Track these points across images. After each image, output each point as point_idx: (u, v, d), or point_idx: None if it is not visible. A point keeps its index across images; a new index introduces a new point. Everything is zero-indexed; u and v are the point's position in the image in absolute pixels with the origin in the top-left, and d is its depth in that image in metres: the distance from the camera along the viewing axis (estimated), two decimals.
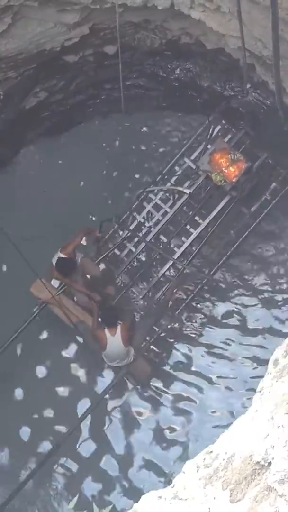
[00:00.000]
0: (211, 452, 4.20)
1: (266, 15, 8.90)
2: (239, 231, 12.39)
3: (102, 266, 12.58)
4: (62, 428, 11.97)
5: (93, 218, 13.33)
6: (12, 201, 13.87)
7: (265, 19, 9.18)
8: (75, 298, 12.23)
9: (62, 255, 11.82)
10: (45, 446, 11.91)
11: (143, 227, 12.81)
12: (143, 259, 12.75)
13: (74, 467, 11.87)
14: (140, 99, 14.38)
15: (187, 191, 12.35)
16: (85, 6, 11.53)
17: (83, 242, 12.38)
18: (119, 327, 11.18)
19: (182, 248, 12.40)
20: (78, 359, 12.62)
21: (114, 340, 11.17)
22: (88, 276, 12.34)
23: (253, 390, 4.97)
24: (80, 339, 12.50)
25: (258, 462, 3.62)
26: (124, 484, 11.63)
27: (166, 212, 12.68)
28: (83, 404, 12.18)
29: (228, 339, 12.43)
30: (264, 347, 12.14)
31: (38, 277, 10.59)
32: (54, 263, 11.82)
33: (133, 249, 12.67)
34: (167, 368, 12.40)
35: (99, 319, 11.52)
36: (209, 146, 12.42)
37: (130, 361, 11.54)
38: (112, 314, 11.34)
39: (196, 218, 12.51)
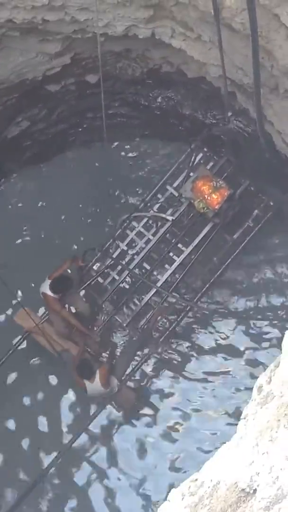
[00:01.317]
0: (196, 480, 4.18)
1: (246, 43, 8.96)
2: (221, 258, 12.41)
3: (82, 292, 12.56)
4: (46, 457, 11.92)
5: (75, 247, 13.31)
6: None
7: (246, 48, 9.23)
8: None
9: (49, 281, 11.80)
10: (31, 473, 11.83)
11: (126, 255, 12.80)
12: (127, 287, 12.73)
13: (60, 494, 11.81)
14: (122, 128, 14.42)
15: (170, 218, 12.37)
16: (66, 36, 11.58)
17: (68, 270, 12.39)
18: (97, 373, 11.12)
19: (166, 276, 12.40)
20: (63, 387, 12.56)
21: (93, 386, 11.16)
22: (74, 310, 12.31)
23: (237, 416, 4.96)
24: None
25: (243, 489, 3.60)
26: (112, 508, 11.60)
27: (149, 240, 12.68)
28: (68, 433, 12.14)
29: (211, 366, 12.42)
30: (248, 372, 12.14)
31: (21, 306, 10.56)
32: (45, 291, 11.77)
33: (117, 277, 12.66)
34: (151, 395, 12.36)
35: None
36: (191, 174, 12.47)
37: (115, 391, 11.50)
38: (87, 367, 11.25)
39: (179, 245, 12.52)
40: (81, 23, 10.94)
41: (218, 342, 12.58)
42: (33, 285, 12.27)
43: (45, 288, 11.79)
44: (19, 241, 13.69)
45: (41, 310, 12.31)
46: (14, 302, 9.81)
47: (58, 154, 14.69)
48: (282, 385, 4.06)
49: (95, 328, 12.46)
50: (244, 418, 4.36)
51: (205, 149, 12.85)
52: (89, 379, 11.13)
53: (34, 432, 12.30)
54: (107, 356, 12.27)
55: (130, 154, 14.53)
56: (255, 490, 3.50)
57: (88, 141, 14.64)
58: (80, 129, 14.64)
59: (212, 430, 11.94)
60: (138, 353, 12.34)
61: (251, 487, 3.53)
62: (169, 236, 12.70)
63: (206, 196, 11.74)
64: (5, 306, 11.65)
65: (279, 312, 12.64)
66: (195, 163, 12.71)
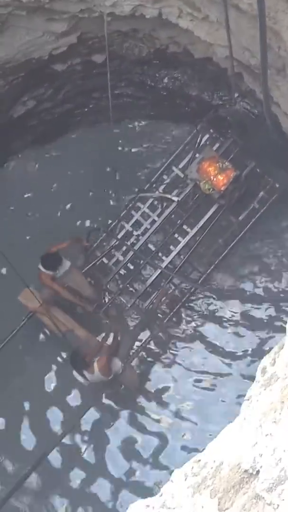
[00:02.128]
0: (199, 460, 4.19)
1: (253, 24, 8.93)
2: (227, 240, 12.40)
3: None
4: (47, 438, 11.95)
5: (80, 227, 13.29)
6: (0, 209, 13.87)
7: (253, 29, 9.20)
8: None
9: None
10: (30, 458, 11.85)
11: (131, 235, 12.80)
12: (131, 267, 12.72)
13: (59, 478, 11.84)
14: (128, 108, 14.39)
15: (176, 198, 12.36)
16: (73, 15, 11.54)
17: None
18: (95, 365, 11.02)
19: (170, 257, 12.40)
20: (66, 370, 12.57)
21: (94, 376, 11.07)
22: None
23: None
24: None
25: (246, 471, 3.61)
26: (112, 494, 11.60)
27: (154, 221, 12.68)
28: (69, 415, 12.17)
29: (215, 348, 12.42)
30: (252, 355, 12.14)
31: (26, 285, 10.56)
32: (39, 267, 11.80)
33: (121, 258, 12.66)
34: (155, 376, 12.38)
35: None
36: (197, 155, 12.45)
37: (119, 373, 11.48)
38: (78, 358, 11.14)
39: (184, 226, 12.52)
40: (88, 2, 10.92)
41: (222, 324, 12.56)
42: (37, 265, 12.26)
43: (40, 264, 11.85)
44: (24, 221, 13.69)
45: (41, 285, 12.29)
46: (19, 282, 9.80)
47: (64, 134, 14.66)
48: (286, 367, 4.06)
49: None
50: (248, 400, 4.37)
51: (211, 130, 12.82)
52: (86, 370, 11.04)
53: (35, 415, 12.35)
54: (108, 342, 12.24)
55: (136, 135, 14.48)
56: (258, 471, 3.50)
57: (94, 121, 14.61)
58: (86, 109, 14.62)
59: (216, 411, 11.93)
60: (142, 334, 12.33)
61: (254, 468, 3.54)
62: (174, 217, 12.69)
63: (212, 177, 11.72)
64: (10, 286, 11.63)
65: (283, 295, 12.62)
66: (201, 144, 12.68)
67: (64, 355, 12.48)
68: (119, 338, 11.76)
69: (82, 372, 10.98)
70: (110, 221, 12.90)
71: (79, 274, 12.39)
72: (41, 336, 12.61)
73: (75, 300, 12.15)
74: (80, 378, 11.20)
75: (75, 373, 11.29)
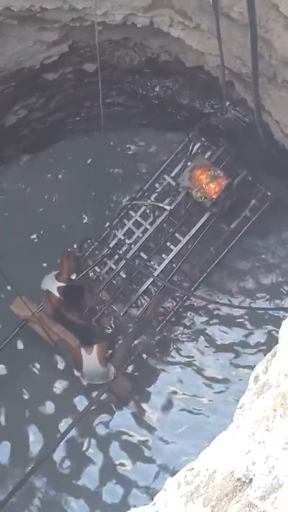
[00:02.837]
0: (192, 469, 4.19)
1: (244, 33, 8.95)
2: (219, 247, 12.43)
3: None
4: (41, 447, 11.94)
5: (72, 236, 13.29)
6: None
7: (244, 37, 9.23)
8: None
9: (61, 284, 11.80)
10: (25, 464, 11.85)
11: (123, 244, 12.81)
12: (124, 276, 12.73)
13: (54, 485, 11.81)
14: (120, 117, 14.40)
15: (168, 207, 12.39)
16: (64, 24, 11.56)
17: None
18: (95, 346, 11.13)
19: (163, 265, 12.42)
20: (59, 377, 12.56)
21: (89, 358, 11.12)
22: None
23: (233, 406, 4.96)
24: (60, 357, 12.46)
25: (239, 479, 3.61)
26: (106, 502, 11.58)
27: (146, 229, 12.70)
28: (63, 423, 12.14)
29: (208, 355, 12.43)
30: (245, 362, 12.15)
31: (18, 294, 10.56)
32: (50, 289, 11.81)
33: (113, 267, 12.67)
34: (148, 384, 12.38)
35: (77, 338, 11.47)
36: (189, 163, 12.47)
37: (111, 379, 11.51)
38: (89, 333, 11.24)
39: (176, 235, 12.54)
40: (79, 11, 10.93)
41: (215, 331, 12.58)
42: (29, 274, 12.24)
43: (50, 286, 11.82)
44: (15, 230, 13.66)
45: (38, 300, 12.29)
46: (10, 290, 9.82)
47: (55, 143, 14.65)
48: (279, 375, 4.07)
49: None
50: (241, 408, 4.38)
51: (203, 139, 12.84)
52: (87, 347, 11.09)
53: (28, 423, 12.33)
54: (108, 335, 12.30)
55: (127, 144, 14.49)
56: (251, 480, 3.51)
57: (85, 130, 14.62)
58: (78, 118, 14.62)
59: (209, 417, 11.95)
60: (134, 342, 12.34)
61: (247, 476, 3.54)
62: (166, 226, 12.72)
63: (204, 185, 11.75)
64: (2, 294, 11.64)
65: (276, 302, 12.64)
66: (192, 152, 12.71)
67: (57, 363, 12.48)
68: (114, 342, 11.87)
69: (86, 344, 11.09)
70: (102, 230, 12.89)
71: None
72: (34, 345, 12.57)
73: (78, 321, 12.17)
74: (76, 373, 11.30)
75: (69, 364, 11.40)
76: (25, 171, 14.38)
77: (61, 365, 12.49)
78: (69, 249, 12.60)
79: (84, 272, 12.61)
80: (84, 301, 12.19)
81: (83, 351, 11.15)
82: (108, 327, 12.61)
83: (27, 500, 11.61)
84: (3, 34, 11.68)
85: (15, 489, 10.54)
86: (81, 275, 12.56)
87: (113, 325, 12.67)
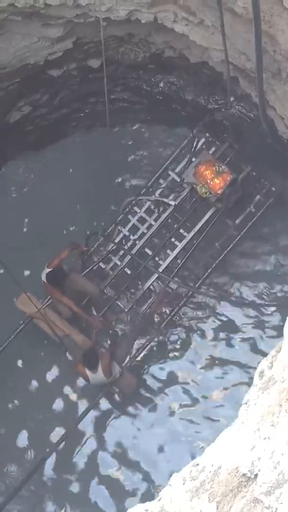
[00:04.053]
0: (198, 464, 4.19)
1: (248, 28, 8.94)
2: (223, 243, 12.41)
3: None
4: (47, 443, 11.96)
5: (78, 232, 13.29)
6: None
7: (248, 32, 9.21)
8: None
9: (48, 270, 11.81)
10: (30, 460, 11.87)
11: (128, 240, 12.79)
12: (128, 272, 12.72)
13: (60, 480, 11.84)
14: (124, 113, 14.39)
15: (172, 202, 12.38)
16: (68, 20, 11.54)
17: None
18: (99, 363, 11.09)
19: (167, 261, 12.41)
20: (64, 374, 12.57)
21: (96, 375, 11.11)
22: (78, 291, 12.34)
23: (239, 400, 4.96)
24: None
25: (244, 474, 3.61)
26: (111, 497, 11.61)
27: (151, 225, 12.69)
28: (69, 419, 12.16)
29: (213, 351, 12.43)
30: (250, 358, 12.14)
31: (23, 291, 10.57)
32: (44, 279, 11.82)
33: (118, 262, 12.66)
34: (153, 380, 12.38)
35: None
36: (193, 159, 12.46)
37: (117, 377, 11.50)
38: (94, 357, 11.17)
39: (181, 230, 12.52)
40: (83, 7, 10.91)
41: (219, 327, 12.57)
42: (35, 270, 12.25)
43: (43, 273, 11.86)
44: (21, 226, 13.68)
45: (43, 296, 12.30)
46: (16, 287, 9.81)
47: (60, 139, 14.64)
48: (284, 370, 4.07)
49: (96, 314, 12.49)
50: (246, 403, 4.37)
51: (207, 134, 12.85)
52: (93, 370, 11.08)
53: (32, 419, 12.36)
54: (108, 343, 12.27)
55: (132, 139, 14.47)
56: (256, 475, 3.51)
57: (90, 126, 14.61)
58: (82, 114, 14.60)
59: (213, 415, 11.95)
60: (139, 338, 12.34)
61: (252, 472, 3.54)
62: (171, 222, 12.70)
63: (208, 181, 11.75)
64: (7, 291, 11.64)
65: (280, 298, 12.63)
66: (197, 148, 12.71)
67: (62, 359, 12.50)
68: (117, 342, 11.82)
69: (90, 369, 11.01)
70: (107, 226, 12.88)
71: (78, 277, 12.40)
72: (40, 341, 12.57)
73: (84, 314, 12.16)
74: (82, 378, 11.28)
75: (76, 373, 11.40)
76: (30, 167, 14.37)
77: (66, 361, 12.50)
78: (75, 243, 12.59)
79: (89, 268, 12.60)
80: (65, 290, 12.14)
81: (88, 371, 11.12)
82: (112, 323, 12.61)
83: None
84: (8, 31, 11.67)
85: (16, 489, 10.64)
86: (86, 270, 12.55)
87: (115, 323, 12.67)
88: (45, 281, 11.78)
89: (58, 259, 11.90)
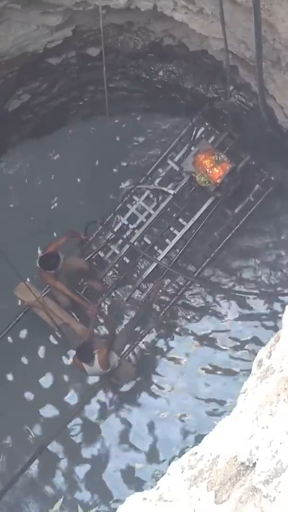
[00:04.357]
0: (196, 453, 4.20)
1: (248, 17, 8.92)
2: (222, 233, 12.41)
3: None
4: (45, 431, 11.99)
5: (76, 220, 13.28)
6: None
7: (248, 21, 9.19)
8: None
9: (41, 254, 11.80)
10: (28, 449, 11.89)
11: (127, 229, 12.79)
12: (127, 261, 12.72)
13: (57, 470, 11.87)
14: (123, 101, 14.35)
15: (171, 192, 12.36)
16: (68, 8, 11.52)
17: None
18: (96, 357, 11.07)
19: (166, 250, 12.41)
20: (62, 362, 12.59)
21: (93, 368, 11.11)
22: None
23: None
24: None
25: (242, 463, 3.62)
26: (109, 487, 11.64)
27: (150, 214, 12.68)
28: (66, 408, 12.19)
29: (211, 340, 12.45)
30: (248, 348, 12.16)
31: (21, 279, 10.57)
32: (38, 265, 11.81)
33: (117, 251, 12.66)
34: (151, 368, 12.41)
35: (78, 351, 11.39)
36: (192, 148, 12.45)
37: (115, 367, 11.50)
38: (87, 350, 11.15)
39: (180, 220, 12.52)
40: None
41: (218, 316, 12.58)
42: (34, 259, 12.24)
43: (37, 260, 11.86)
44: (19, 215, 13.66)
45: (42, 285, 12.30)
46: (15, 276, 9.82)
47: (59, 127, 14.62)
48: (282, 359, 4.07)
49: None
50: (244, 393, 4.38)
51: (207, 123, 12.83)
52: (89, 363, 11.09)
53: (31, 408, 12.39)
54: (106, 334, 12.28)
55: (131, 128, 14.45)
56: (254, 464, 3.51)
57: (89, 114, 14.58)
58: (81, 103, 14.57)
59: (212, 402, 11.98)
60: (138, 327, 12.35)
61: (251, 460, 3.55)
62: (170, 211, 12.70)
63: (207, 170, 11.73)
64: (6, 280, 11.64)
65: (279, 288, 12.63)
66: (196, 137, 12.70)
67: (60, 347, 12.51)
68: (115, 332, 11.82)
69: (84, 363, 11.02)
70: (106, 214, 12.87)
71: (73, 258, 12.38)
72: (38, 330, 12.58)
73: (78, 299, 12.15)
74: (81, 368, 11.27)
75: (73, 365, 11.40)
76: (29, 155, 14.36)
77: (65, 349, 12.52)
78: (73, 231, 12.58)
79: (88, 256, 12.60)
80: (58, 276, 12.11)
81: (85, 364, 11.12)
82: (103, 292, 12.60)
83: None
84: (6, 19, 11.64)
85: (15, 477, 10.67)
86: (85, 259, 12.55)
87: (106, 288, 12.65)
88: (38, 265, 11.76)
89: (54, 245, 11.87)
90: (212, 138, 12.69)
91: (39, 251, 11.99)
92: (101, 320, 12.56)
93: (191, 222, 12.37)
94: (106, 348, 11.13)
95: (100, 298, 12.52)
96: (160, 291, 12.44)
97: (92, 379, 12.09)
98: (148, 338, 12.48)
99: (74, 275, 12.35)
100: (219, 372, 12.21)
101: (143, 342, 12.40)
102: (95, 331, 12.20)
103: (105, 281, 12.62)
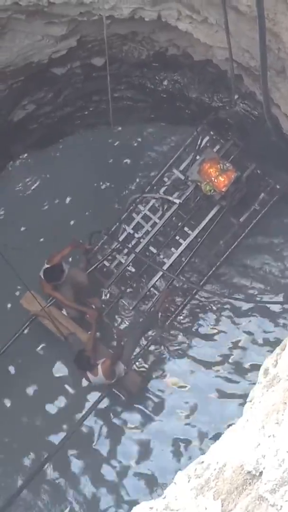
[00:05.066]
0: (202, 462, 4.20)
1: (253, 26, 8.93)
2: (228, 241, 12.40)
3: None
4: (51, 442, 11.97)
5: (82, 230, 13.29)
6: (0, 213, 13.87)
7: (252, 30, 9.21)
8: (64, 312, 12.24)
9: (47, 266, 11.82)
10: (35, 459, 11.87)
11: (132, 238, 12.79)
12: (133, 270, 12.72)
13: (64, 480, 11.85)
14: (128, 111, 14.38)
15: (177, 200, 12.38)
16: (72, 18, 11.56)
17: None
18: (99, 367, 11.04)
19: (172, 259, 12.40)
20: (68, 373, 12.58)
21: (98, 379, 11.10)
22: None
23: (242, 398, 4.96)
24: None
25: (249, 472, 3.62)
26: (116, 496, 11.61)
27: (155, 223, 12.68)
28: (73, 418, 12.17)
29: (217, 349, 12.43)
30: (254, 356, 12.14)
31: (28, 289, 10.58)
32: (41, 274, 11.83)
33: (123, 261, 12.66)
34: (157, 378, 12.39)
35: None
36: (197, 157, 12.46)
37: (121, 376, 11.50)
38: (84, 359, 11.14)
39: (185, 228, 12.51)
40: (87, 5, 10.93)
41: (223, 325, 12.56)
42: (39, 269, 12.24)
43: (41, 270, 11.87)
44: (26, 224, 13.68)
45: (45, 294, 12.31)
46: (21, 285, 9.83)
47: (64, 137, 14.65)
48: None
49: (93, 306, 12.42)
50: (250, 401, 4.38)
51: (212, 132, 12.84)
52: (90, 371, 11.07)
53: (37, 417, 12.37)
54: (112, 346, 12.26)
55: (136, 137, 14.47)
56: (261, 473, 3.51)
57: (94, 124, 14.61)
58: (86, 112, 14.60)
59: (218, 412, 11.94)
60: (144, 336, 12.34)
61: (257, 469, 3.55)
62: (176, 220, 12.70)
63: (213, 178, 11.74)
64: (12, 289, 11.67)
65: (285, 296, 12.61)
66: (201, 146, 12.70)
67: (67, 358, 12.49)
68: (122, 342, 11.81)
69: (86, 371, 11.01)
70: (111, 224, 12.88)
71: (76, 271, 12.39)
72: (44, 339, 12.58)
73: (78, 307, 12.15)
74: (84, 379, 11.25)
75: (78, 374, 11.38)
76: (34, 165, 14.38)
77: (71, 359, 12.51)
78: (80, 241, 12.60)
79: (94, 266, 12.61)
80: (62, 288, 12.12)
81: (89, 374, 11.12)
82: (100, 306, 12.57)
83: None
84: (11, 29, 11.69)
85: (21, 487, 10.66)
86: (90, 269, 12.56)
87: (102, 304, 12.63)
88: (41, 276, 11.77)
89: (59, 256, 11.90)
90: (217, 147, 12.70)
91: (45, 263, 11.97)
92: (114, 334, 12.51)
93: (196, 231, 12.35)
94: (111, 358, 11.12)
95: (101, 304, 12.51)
96: (166, 300, 12.43)
97: (98, 388, 12.06)
98: (153, 347, 12.46)
99: (77, 287, 12.36)
100: (227, 380, 12.19)
101: (149, 351, 12.38)
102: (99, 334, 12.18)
103: (110, 290, 12.61)
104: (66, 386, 12.49)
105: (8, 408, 12.46)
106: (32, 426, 12.28)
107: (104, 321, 12.52)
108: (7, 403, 12.48)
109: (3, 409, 12.43)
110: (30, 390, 12.51)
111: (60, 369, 12.61)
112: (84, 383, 12.04)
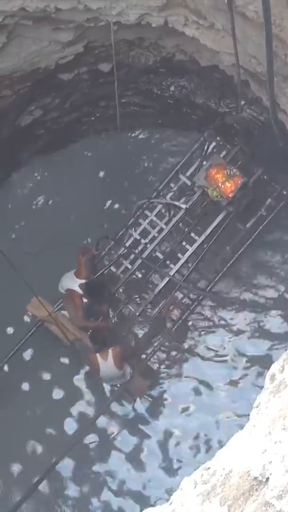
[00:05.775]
0: (209, 468, 4.19)
1: (259, 32, 8.92)
2: (234, 247, 12.40)
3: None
4: (58, 448, 11.95)
5: (88, 236, 13.31)
6: (7, 219, 13.88)
7: (259, 36, 9.20)
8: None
9: (81, 281, 11.82)
10: (41, 466, 11.86)
11: (139, 244, 12.80)
12: (140, 276, 12.73)
13: (72, 486, 11.85)
14: (135, 117, 14.40)
15: (184, 206, 12.37)
16: (79, 24, 11.57)
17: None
18: (110, 352, 11.12)
19: (178, 265, 12.40)
20: (75, 377, 12.58)
21: (106, 364, 11.14)
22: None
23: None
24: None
25: (255, 478, 3.61)
26: (124, 501, 11.61)
27: (162, 229, 12.69)
28: (80, 423, 12.17)
29: (224, 355, 12.43)
30: (260, 362, 12.13)
31: (34, 295, 10.58)
32: (72, 288, 11.82)
33: (129, 266, 12.67)
34: (163, 383, 12.38)
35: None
36: (204, 163, 12.46)
37: (127, 379, 11.51)
38: (100, 336, 11.23)
39: (192, 234, 12.52)
40: (94, 11, 10.92)
41: (230, 331, 12.56)
42: (46, 274, 12.25)
43: (72, 285, 11.83)
44: (31, 230, 13.70)
45: (55, 300, 12.31)
46: (28, 291, 9.84)
47: (71, 142, 14.68)
48: None
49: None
50: (257, 407, 4.37)
51: (218, 138, 12.84)
52: (102, 351, 11.13)
53: (45, 423, 12.37)
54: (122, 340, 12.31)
55: (143, 143, 14.49)
56: (267, 479, 3.51)
57: (101, 130, 14.63)
58: (93, 118, 14.63)
59: (224, 417, 11.94)
60: (150, 342, 12.35)
61: (264, 475, 3.54)
62: (182, 225, 12.71)
63: (219, 184, 11.73)
64: (19, 295, 11.67)
65: None
66: (208, 151, 12.70)
67: (73, 363, 12.51)
68: (129, 345, 11.86)
69: (97, 353, 11.11)
70: (118, 229, 12.89)
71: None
72: (50, 345, 12.58)
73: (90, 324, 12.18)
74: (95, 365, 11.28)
75: (88, 361, 11.50)
76: (41, 170, 14.41)
77: (77, 364, 12.52)
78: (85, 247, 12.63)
79: (100, 272, 12.62)
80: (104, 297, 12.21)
81: (99, 357, 11.15)
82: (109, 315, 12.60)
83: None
84: (18, 35, 11.70)
85: (27, 493, 10.62)
86: (97, 274, 12.56)
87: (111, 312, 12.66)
88: (73, 289, 11.78)
89: (84, 268, 11.93)
90: (224, 152, 12.70)
91: (75, 278, 11.96)
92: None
93: (203, 237, 12.36)
94: (122, 348, 11.24)
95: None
96: (172, 305, 12.42)
97: (105, 390, 12.07)
98: (160, 352, 12.46)
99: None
100: (232, 387, 12.17)
101: (154, 357, 12.38)
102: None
103: (117, 296, 12.62)
104: (72, 391, 12.50)
105: (12, 413, 12.47)
106: (37, 431, 12.29)
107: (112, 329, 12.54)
108: (13, 407, 12.48)
109: (7, 414, 12.48)
110: (36, 395, 12.54)
111: (66, 374, 12.61)
112: (92, 386, 12.04)
